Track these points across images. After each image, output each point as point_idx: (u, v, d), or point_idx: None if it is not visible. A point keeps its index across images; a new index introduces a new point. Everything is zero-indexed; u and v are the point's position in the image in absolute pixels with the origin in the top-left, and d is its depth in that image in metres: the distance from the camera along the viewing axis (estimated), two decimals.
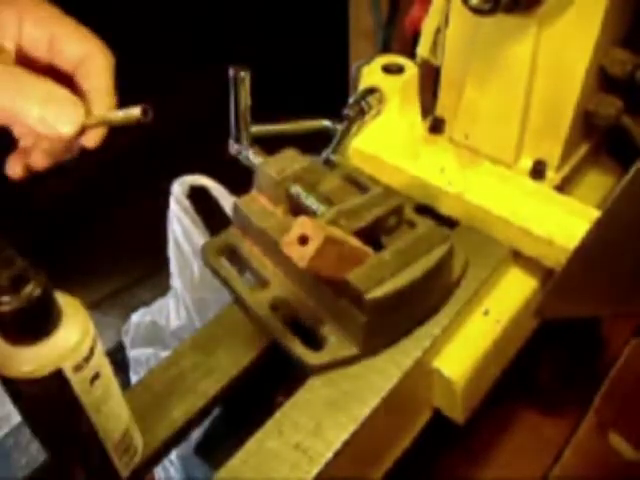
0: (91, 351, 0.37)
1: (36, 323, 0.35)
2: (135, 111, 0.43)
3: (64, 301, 0.37)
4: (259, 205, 0.56)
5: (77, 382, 0.37)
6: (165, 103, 0.51)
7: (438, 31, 0.66)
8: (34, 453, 0.85)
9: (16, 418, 0.83)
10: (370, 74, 0.64)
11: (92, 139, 0.48)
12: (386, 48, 1.46)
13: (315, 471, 0.45)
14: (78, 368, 0.36)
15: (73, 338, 0.36)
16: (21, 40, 0.46)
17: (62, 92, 0.43)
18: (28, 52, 0.47)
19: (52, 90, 0.43)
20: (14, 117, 0.43)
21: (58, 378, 0.36)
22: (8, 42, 0.46)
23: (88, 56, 0.47)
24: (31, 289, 0.33)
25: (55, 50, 0.47)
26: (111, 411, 0.40)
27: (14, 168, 0.50)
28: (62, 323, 0.36)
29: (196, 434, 0.56)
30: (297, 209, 0.54)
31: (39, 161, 0.50)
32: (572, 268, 0.50)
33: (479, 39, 0.59)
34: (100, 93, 0.47)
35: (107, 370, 0.39)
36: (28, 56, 0.47)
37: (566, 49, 0.56)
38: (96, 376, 0.38)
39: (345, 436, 0.46)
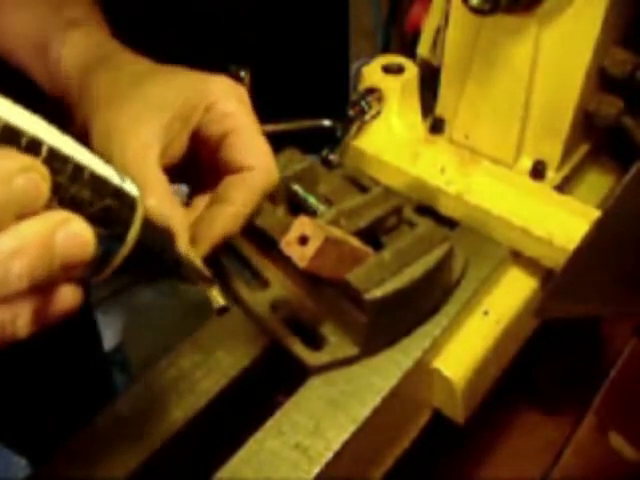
0: None
1: None
2: (217, 301, 0.41)
3: None
4: None
5: None
6: None
7: (438, 31, 0.66)
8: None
9: None
10: (370, 74, 0.64)
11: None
12: (386, 48, 1.47)
13: (315, 471, 0.45)
14: None
15: None
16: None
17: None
18: None
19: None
20: None
21: None
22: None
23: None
24: None
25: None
26: None
27: None
28: None
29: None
30: (297, 209, 0.54)
31: None
32: (572, 268, 0.50)
33: (479, 39, 0.59)
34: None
35: None
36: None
37: (566, 49, 0.56)
38: None
39: (345, 436, 0.46)
